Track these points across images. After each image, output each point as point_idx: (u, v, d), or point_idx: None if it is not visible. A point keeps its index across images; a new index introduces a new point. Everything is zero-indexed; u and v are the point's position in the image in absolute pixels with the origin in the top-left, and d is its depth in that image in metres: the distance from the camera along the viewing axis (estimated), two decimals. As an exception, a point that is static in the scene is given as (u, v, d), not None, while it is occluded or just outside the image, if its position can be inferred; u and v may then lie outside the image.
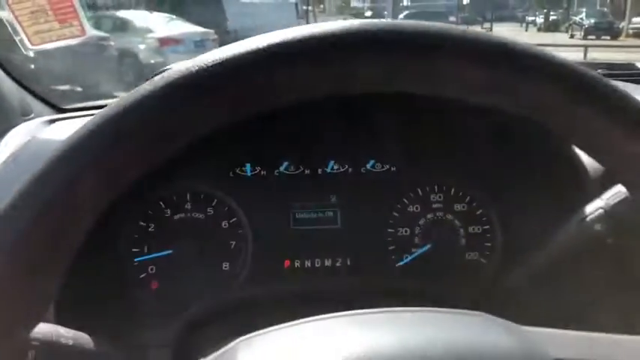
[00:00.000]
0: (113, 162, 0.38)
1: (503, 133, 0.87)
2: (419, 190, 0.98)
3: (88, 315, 0.73)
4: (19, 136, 0.96)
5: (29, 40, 0.97)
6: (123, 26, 11.15)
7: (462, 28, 0.40)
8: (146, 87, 0.39)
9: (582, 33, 23.52)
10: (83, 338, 0.58)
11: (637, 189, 0.43)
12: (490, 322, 0.40)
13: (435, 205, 0.98)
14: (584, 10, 25.82)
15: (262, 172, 0.96)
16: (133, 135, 0.39)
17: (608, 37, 22.79)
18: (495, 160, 0.93)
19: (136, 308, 0.90)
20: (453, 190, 0.98)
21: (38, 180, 0.37)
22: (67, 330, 0.57)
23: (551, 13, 32.17)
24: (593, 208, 0.64)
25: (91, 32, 1.02)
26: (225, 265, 0.94)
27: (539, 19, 32.82)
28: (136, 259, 0.92)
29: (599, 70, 1.37)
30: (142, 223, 0.92)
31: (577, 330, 0.41)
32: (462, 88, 0.41)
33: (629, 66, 1.50)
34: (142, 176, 0.41)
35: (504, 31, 24.40)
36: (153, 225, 0.93)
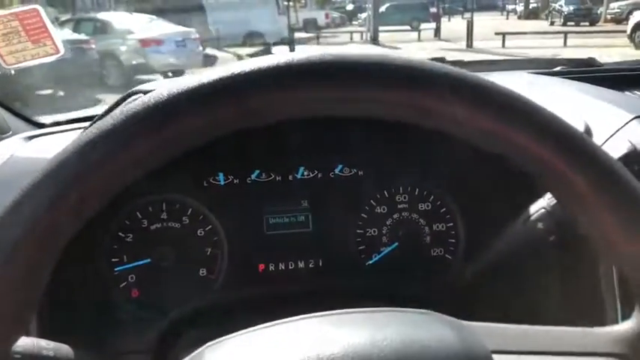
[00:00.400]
0: (80, 192, 0.41)
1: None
2: (385, 192, 1.03)
3: (69, 326, 0.77)
4: (-3, 154, 0.99)
5: (3, 61, 1.01)
6: (103, 28, 11.10)
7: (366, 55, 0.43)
8: (108, 121, 0.42)
9: (562, 20, 23.72)
10: (64, 350, 0.62)
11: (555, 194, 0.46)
12: (435, 319, 0.44)
13: (400, 206, 1.03)
14: (564, -5, 26.01)
15: (235, 181, 1.01)
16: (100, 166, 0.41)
17: (587, 24, 23.02)
18: (455, 160, 0.98)
19: (117, 316, 0.94)
20: (417, 190, 1.03)
21: (17, 204, 0.40)
22: (48, 342, 0.61)
23: (531, 0, 32.38)
24: (537, 207, 0.69)
25: (63, 50, 1.05)
26: (202, 272, 0.98)
27: (520, 7, 33.02)
28: (115, 269, 0.96)
29: (559, 68, 1.42)
30: (120, 234, 0.96)
31: (526, 321, 0.46)
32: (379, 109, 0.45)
33: (590, 61, 1.56)
34: (112, 196, 0.44)
35: (486, 20, 24.51)
36: (131, 235, 0.97)
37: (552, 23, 24.70)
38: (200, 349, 0.43)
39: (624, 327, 0.44)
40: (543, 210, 0.68)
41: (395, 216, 1.03)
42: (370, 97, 0.43)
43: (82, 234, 0.91)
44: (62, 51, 1.06)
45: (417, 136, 0.97)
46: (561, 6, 24.48)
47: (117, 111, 0.43)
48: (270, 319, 0.44)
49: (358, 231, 1.02)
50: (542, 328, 0.46)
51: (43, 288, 0.43)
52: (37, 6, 1.00)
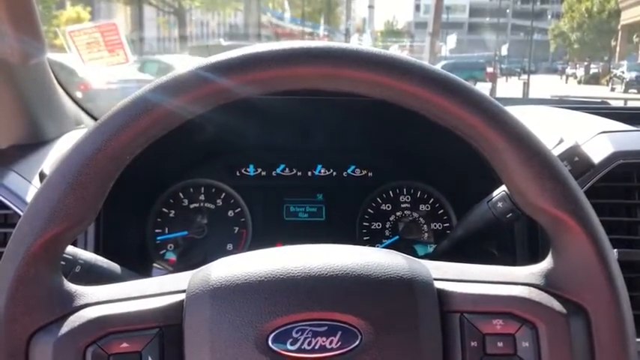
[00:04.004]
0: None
1: (459, 146, 1.07)
2: (390, 192, 1.18)
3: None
4: (71, 140, 1.20)
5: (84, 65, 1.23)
6: (166, 69, 11.68)
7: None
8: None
9: (623, 86, 23.28)
10: (114, 266, 0.80)
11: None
12: (392, 252, 0.56)
13: (403, 205, 1.18)
14: (625, 63, 25.62)
15: (262, 173, 1.19)
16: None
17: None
18: (452, 166, 1.13)
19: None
20: (419, 192, 1.18)
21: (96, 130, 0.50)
22: (104, 259, 0.79)
23: (592, 65, 31.97)
24: (499, 190, 0.83)
25: (132, 59, 1.27)
26: (229, 246, 1.15)
27: (580, 72, 32.66)
28: (157, 238, 1.14)
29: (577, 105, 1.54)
30: (164, 209, 1.15)
31: None
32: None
33: (603, 102, 1.68)
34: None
35: (543, 83, 24.35)
36: (173, 211, 1.15)
37: (613, 89, 24.30)
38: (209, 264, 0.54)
39: (539, 266, 0.55)
40: (503, 192, 0.81)
41: (398, 214, 1.18)
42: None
43: (135, 207, 1.10)
44: (131, 60, 1.28)
45: (421, 144, 1.13)
46: (623, 72, 24.09)
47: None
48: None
49: (364, 224, 1.17)
50: (477, 266, 0.56)
51: (103, 196, 0.52)
52: (115, 21, 1.23)
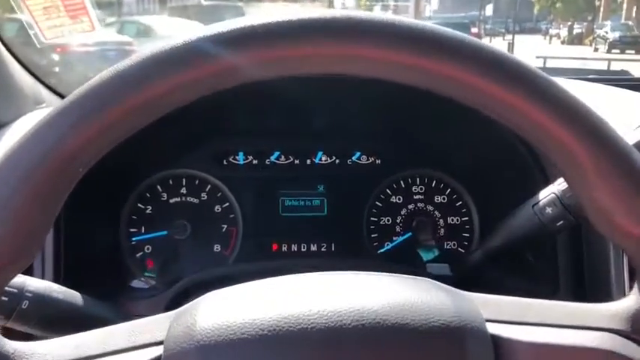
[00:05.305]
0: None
1: (479, 129, 0.92)
2: (401, 182, 1.03)
3: (85, 282, 0.79)
4: (31, 122, 1.03)
5: (42, 35, 1.05)
6: (146, 31, 11.35)
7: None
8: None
9: (606, 46, 23.27)
10: (74, 296, 0.65)
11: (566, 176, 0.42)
12: (431, 285, 0.44)
13: (416, 197, 1.03)
14: (608, 23, 25.51)
15: (254, 161, 1.03)
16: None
17: (633, 51, 22.51)
18: (473, 154, 0.98)
19: (130, 283, 0.96)
20: (434, 182, 1.03)
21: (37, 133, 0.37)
22: (60, 287, 0.64)
23: (576, 25, 31.90)
24: (547, 192, 0.69)
25: (99, 27, 1.09)
26: (217, 247, 1.00)
27: (563, 32, 32.55)
28: (133, 239, 0.98)
29: (591, 76, 1.40)
30: (139, 205, 0.99)
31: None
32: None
33: (622, 72, 1.54)
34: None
35: (527, 43, 24.24)
36: (150, 207, 0.99)
37: (596, 50, 24.26)
38: (199, 298, 0.42)
39: (623, 304, 0.42)
40: (553, 195, 0.67)
41: (410, 206, 1.03)
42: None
43: (104, 203, 0.94)
44: (98, 28, 1.10)
45: (437, 128, 0.98)
46: (606, 32, 24.05)
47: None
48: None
49: (372, 219, 1.03)
50: (538, 301, 0.44)
51: (54, 215, 0.39)
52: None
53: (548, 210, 0.67)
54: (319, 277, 0.44)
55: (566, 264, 0.78)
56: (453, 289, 0.43)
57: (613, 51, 22.32)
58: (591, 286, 0.76)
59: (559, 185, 0.68)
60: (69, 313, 0.62)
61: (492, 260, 0.79)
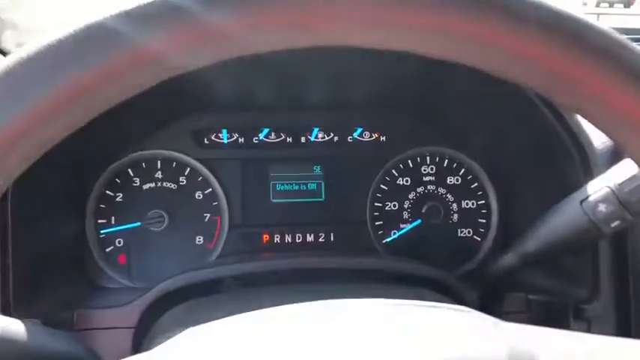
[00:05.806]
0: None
1: (503, 101, 0.79)
2: (409, 162, 0.91)
3: (40, 294, 0.67)
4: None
5: None
6: None
7: None
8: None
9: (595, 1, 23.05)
10: (14, 326, 0.52)
11: None
12: (478, 320, 0.36)
13: (426, 178, 0.91)
14: (597, -24, 25.23)
15: (240, 140, 0.90)
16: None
17: (621, 6, 22.29)
18: (494, 129, 0.86)
19: (99, 284, 0.84)
20: (446, 161, 0.91)
21: None
22: (2, 318, 0.51)
23: (563, -21, 31.61)
24: (598, 186, 0.57)
25: None
26: (199, 239, 0.88)
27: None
28: (101, 231, 0.85)
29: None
30: (108, 192, 0.86)
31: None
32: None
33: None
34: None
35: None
36: (120, 195, 0.86)
37: (585, 4, 24.02)
38: (178, 335, 0.35)
39: None
40: (607, 189, 0.55)
41: (419, 189, 0.91)
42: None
43: (65, 191, 0.81)
44: None
45: (450, 100, 0.85)
46: (595, -15, 23.79)
47: None
48: (268, 298, 0.37)
49: (376, 204, 0.91)
50: (593, 337, 0.35)
51: None
52: None
53: (602, 207, 0.56)
54: (323, 312, 0.35)
55: (609, 267, 0.66)
56: (500, 322, 0.35)
57: (602, 5, 22.09)
58: (637, 293, 0.65)
59: (615, 177, 0.56)
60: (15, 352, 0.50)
61: (528, 265, 0.67)
